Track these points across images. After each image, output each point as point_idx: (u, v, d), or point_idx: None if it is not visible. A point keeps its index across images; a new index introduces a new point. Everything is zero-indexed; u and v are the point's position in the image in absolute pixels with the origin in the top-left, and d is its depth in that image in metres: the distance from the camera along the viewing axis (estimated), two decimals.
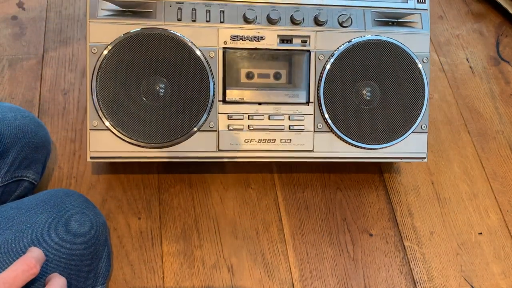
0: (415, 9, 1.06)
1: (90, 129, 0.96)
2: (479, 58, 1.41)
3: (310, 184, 1.18)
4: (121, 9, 0.97)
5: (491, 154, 1.27)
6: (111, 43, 0.94)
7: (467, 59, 1.41)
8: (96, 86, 0.94)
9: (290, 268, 1.05)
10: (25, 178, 0.88)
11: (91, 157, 0.97)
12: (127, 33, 0.95)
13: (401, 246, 1.13)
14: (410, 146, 1.07)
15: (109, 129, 0.95)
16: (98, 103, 0.94)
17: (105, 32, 0.95)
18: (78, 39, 1.24)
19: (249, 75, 1.04)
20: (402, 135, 1.06)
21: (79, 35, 1.30)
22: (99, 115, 0.95)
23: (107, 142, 0.96)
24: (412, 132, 1.07)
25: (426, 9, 1.06)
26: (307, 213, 1.14)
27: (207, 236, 1.04)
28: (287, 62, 1.05)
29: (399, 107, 1.04)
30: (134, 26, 0.96)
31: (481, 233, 1.15)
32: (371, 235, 1.13)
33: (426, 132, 1.07)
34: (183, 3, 0.98)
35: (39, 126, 0.92)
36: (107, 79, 0.95)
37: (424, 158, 1.09)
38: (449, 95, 1.34)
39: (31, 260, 0.55)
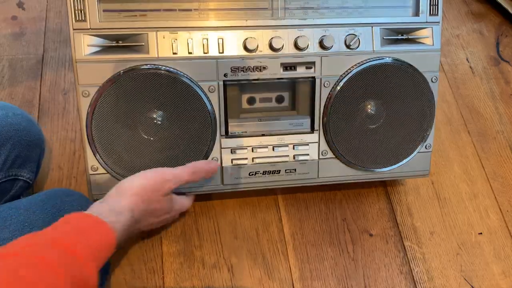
0: (426, 22, 0.95)
1: (90, 174, 0.89)
2: (479, 58, 1.34)
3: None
4: (109, 44, 0.85)
5: (491, 154, 1.24)
6: (103, 84, 0.84)
7: (467, 59, 1.33)
8: (91, 130, 0.86)
9: (290, 268, 1.04)
10: (19, 177, 0.85)
11: (94, 200, 0.91)
12: (119, 73, 0.84)
13: (401, 246, 1.12)
14: (414, 165, 1.03)
15: (109, 173, 0.88)
16: (95, 147, 0.87)
17: (95, 72, 0.85)
18: None
19: (251, 101, 0.95)
20: (408, 157, 1.01)
21: None
22: (97, 159, 0.88)
23: (109, 184, 0.90)
24: (418, 152, 1.01)
25: (438, 22, 0.95)
26: (307, 213, 1.12)
27: (207, 236, 1.04)
28: (290, 89, 0.96)
29: (407, 130, 0.98)
30: (126, 63, 0.86)
31: (481, 233, 1.15)
32: (371, 235, 1.12)
33: (430, 151, 1.02)
34: (177, 32, 0.86)
35: (32, 123, 0.88)
36: (102, 123, 0.88)
37: (427, 174, 1.05)
38: (449, 95, 1.27)
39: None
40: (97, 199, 0.87)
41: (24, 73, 1.13)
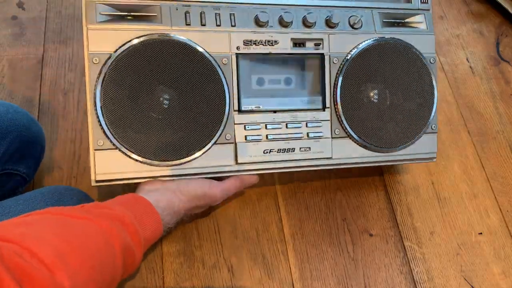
0: (419, 9, 1.00)
1: (95, 150, 0.79)
2: (479, 58, 1.38)
3: (310, 184, 1.11)
4: (122, 13, 0.81)
5: (491, 154, 1.24)
6: (115, 52, 0.79)
7: (467, 59, 1.38)
8: (100, 100, 0.78)
9: (290, 268, 0.98)
10: (16, 172, 0.84)
11: (96, 181, 0.80)
12: (131, 40, 0.80)
13: (401, 246, 1.07)
14: (422, 147, 1.00)
15: (118, 148, 0.79)
16: (104, 119, 0.78)
17: (107, 40, 0.80)
18: (78, 39, 1.17)
19: (260, 83, 0.92)
20: (416, 136, 0.98)
21: (79, 35, 1.18)
22: (105, 133, 0.79)
23: (115, 163, 0.80)
24: (424, 133, 0.99)
25: (429, 10, 1.00)
26: (307, 213, 1.07)
27: (207, 236, 0.98)
28: (300, 66, 0.94)
29: (412, 108, 0.97)
30: (138, 32, 0.81)
31: (481, 233, 1.11)
32: (371, 235, 1.07)
33: (436, 132, 1.01)
34: (190, 6, 0.84)
35: (32, 122, 0.87)
36: (112, 93, 0.81)
37: (434, 158, 1.02)
38: (449, 95, 1.30)
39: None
40: (99, 181, 0.78)
41: (24, 73, 1.11)
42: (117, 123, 0.81)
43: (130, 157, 0.82)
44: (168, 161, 0.85)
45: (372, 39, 0.96)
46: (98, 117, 0.80)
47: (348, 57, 0.94)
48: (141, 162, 0.83)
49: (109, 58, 0.81)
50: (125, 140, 0.81)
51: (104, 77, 0.80)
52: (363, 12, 0.97)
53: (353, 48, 0.95)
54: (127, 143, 0.81)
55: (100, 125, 0.81)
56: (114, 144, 0.82)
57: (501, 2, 1.31)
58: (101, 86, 0.80)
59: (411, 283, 1.02)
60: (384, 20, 0.99)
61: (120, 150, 0.82)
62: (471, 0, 1.47)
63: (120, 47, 0.82)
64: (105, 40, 0.81)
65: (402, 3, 1.01)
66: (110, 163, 0.82)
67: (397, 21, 1.01)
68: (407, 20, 1.01)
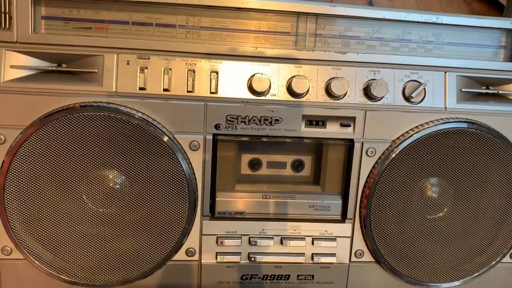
0: None
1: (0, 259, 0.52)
2: None
3: None
4: (45, 65, 0.50)
5: None
6: (28, 128, 0.48)
7: None
8: (6, 194, 0.49)
9: None
10: None
11: None
12: (53, 112, 0.49)
13: None
14: (495, 282, 0.60)
15: (28, 261, 0.51)
16: (10, 220, 0.50)
17: (18, 109, 0.51)
18: None
19: (255, 166, 0.57)
20: (484, 268, 0.59)
21: None
22: (11, 237, 0.51)
23: (28, 275, 0.52)
24: (500, 262, 0.59)
25: None
26: None
27: None
28: (314, 152, 0.58)
29: (484, 226, 0.58)
30: (66, 98, 0.51)
31: None
32: None
33: None
34: (149, 58, 0.50)
35: None
36: (24, 184, 0.54)
37: None
38: None
39: None
40: None
41: None
42: (30, 227, 0.55)
43: (46, 273, 0.54)
44: (99, 284, 0.55)
45: (436, 124, 0.56)
46: (1, 216, 0.52)
47: (394, 149, 0.56)
48: (62, 280, 0.55)
49: (19, 136, 0.51)
50: (40, 251, 0.56)
51: (11, 162, 0.51)
52: (432, 74, 0.57)
53: (404, 135, 0.56)
54: (43, 254, 0.57)
55: (6, 227, 0.53)
56: (24, 254, 0.54)
57: (502, 1, 1.00)
58: (6, 174, 0.52)
59: None
60: (463, 90, 0.58)
61: (31, 262, 0.54)
62: (472, 0, 1.29)
63: (37, 121, 0.51)
64: (15, 110, 0.54)
65: (499, 62, 0.58)
66: (20, 275, 0.55)
67: (485, 91, 0.59)
68: (502, 89, 0.59)
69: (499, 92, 0.61)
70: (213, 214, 0.59)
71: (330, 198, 0.61)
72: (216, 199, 0.59)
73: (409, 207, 0.60)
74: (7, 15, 0.52)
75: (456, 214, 0.62)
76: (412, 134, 0.58)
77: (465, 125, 0.59)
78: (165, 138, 0.54)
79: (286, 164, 0.63)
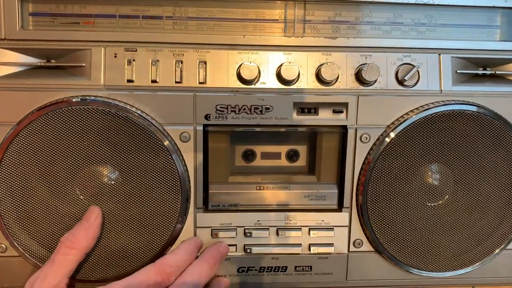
0: None
1: None
2: None
3: None
4: (34, 61, 0.49)
5: None
6: (18, 124, 0.48)
7: None
8: None
9: None
10: None
11: None
12: (41, 108, 0.49)
13: None
14: (497, 269, 0.58)
15: (23, 257, 0.50)
16: (3, 217, 0.50)
17: (8, 105, 0.51)
18: None
19: (249, 156, 0.55)
20: (486, 256, 0.56)
21: None
22: (5, 235, 0.51)
23: (23, 273, 0.51)
24: (505, 249, 0.56)
25: None
26: None
27: None
28: (308, 141, 0.56)
29: (486, 212, 0.55)
30: (55, 93, 0.50)
31: None
32: None
33: None
34: (136, 50, 0.49)
35: None
36: (14, 180, 0.54)
37: None
38: None
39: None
40: None
41: None
42: (23, 223, 0.55)
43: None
44: (94, 280, 0.54)
45: (431, 107, 0.54)
46: None
47: (389, 135, 0.54)
48: None
49: (9, 133, 0.50)
50: (34, 247, 0.56)
51: (1, 159, 0.50)
52: (425, 56, 0.54)
53: (399, 119, 0.54)
54: (38, 251, 0.56)
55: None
56: (19, 252, 0.53)
57: None
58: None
59: None
60: (458, 71, 0.55)
61: (26, 259, 0.53)
62: None
63: (26, 117, 0.50)
64: (5, 106, 0.52)
65: (495, 42, 0.56)
66: (16, 272, 0.55)
67: (481, 72, 0.56)
68: (500, 69, 0.56)
69: (496, 72, 0.59)
70: (206, 207, 0.58)
71: (326, 188, 0.59)
72: (209, 191, 0.57)
73: (408, 194, 0.58)
74: None
75: (458, 200, 0.59)
76: (407, 118, 0.56)
77: (462, 106, 0.56)
78: (156, 130, 0.53)
79: (280, 154, 0.61)
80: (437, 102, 0.57)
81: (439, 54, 0.57)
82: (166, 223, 0.56)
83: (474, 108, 0.56)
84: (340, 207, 0.59)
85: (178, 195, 0.55)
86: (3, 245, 0.56)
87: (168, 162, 0.54)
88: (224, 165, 0.58)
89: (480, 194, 0.60)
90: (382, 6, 0.56)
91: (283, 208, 0.59)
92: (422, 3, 0.56)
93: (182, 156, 0.55)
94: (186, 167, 0.56)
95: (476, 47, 0.58)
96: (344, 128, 0.57)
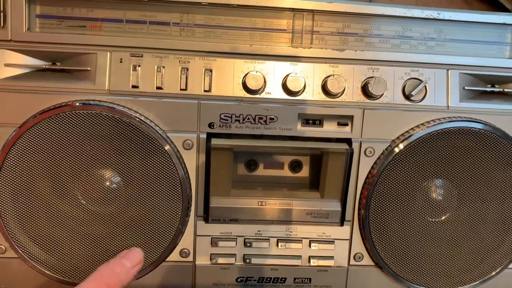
0: None
1: None
2: None
3: None
4: (39, 63, 0.49)
5: None
6: (22, 126, 0.47)
7: None
8: None
9: None
10: None
11: None
12: (45, 111, 0.52)
13: None
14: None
15: (22, 259, 0.50)
16: (4, 218, 0.49)
17: (12, 107, 0.50)
18: None
19: (251, 166, 0.55)
20: (489, 273, 0.55)
21: None
22: (5, 236, 0.50)
23: (24, 275, 0.51)
24: (506, 268, 0.55)
25: None
26: None
27: None
28: (310, 155, 0.55)
29: (490, 230, 0.55)
30: (59, 96, 0.50)
31: None
32: None
33: None
34: (142, 55, 0.48)
35: None
36: (17, 181, 0.53)
37: None
38: None
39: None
40: None
41: None
42: (24, 226, 0.54)
43: (40, 272, 0.53)
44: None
45: (440, 122, 0.53)
46: None
47: (394, 149, 0.53)
48: (55, 279, 0.53)
49: (13, 134, 0.50)
50: (34, 250, 0.55)
51: (4, 159, 0.50)
52: (433, 72, 0.53)
53: (404, 134, 0.53)
54: (36, 254, 0.55)
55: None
56: (18, 254, 0.52)
57: (503, 1, 0.92)
58: (0, 171, 0.50)
59: None
60: (466, 88, 0.54)
61: (25, 262, 0.53)
62: (472, 0, 1.09)
63: (30, 119, 0.50)
64: (9, 108, 0.52)
65: (505, 59, 0.55)
66: (15, 274, 0.55)
67: (490, 89, 0.55)
68: (509, 87, 0.55)
69: (505, 90, 0.58)
70: (207, 217, 0.57)
71: (329, 205, 0.58)
72: (210, 205, 0.56)
73: (410, 209, 0.57)
74: (1, 13, 0.51)
75: (460, 217, 0.58)
76: (413, 134, 0.55)
77: (469, 124, 0.55)
78: (158, 137, 0.52)
79: (283, 164, 0.60)
80: (443, 118, 0.56)
81: (447, 70, 0.56)
82: (165, 231, 0.55)
83: (480, 126, 0.55)
84: (342, 221, 0.58)
85: (179, 202, 0.55)
86: (3, 247, 0.55)
87: (169, 169, 0.53)
88: (226, 179, 0.56)
89: (483, 211, 0.58)
90: (391, 19, 0.55)
91: (286, 219, 0.58)
92: (432, 17, 0.55)
93: (184, 164, 0.55)
94: (188, 174, 0.55)
95: (485, 63, 0.57)
96: (349, 141, 0.56)
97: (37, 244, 0.54)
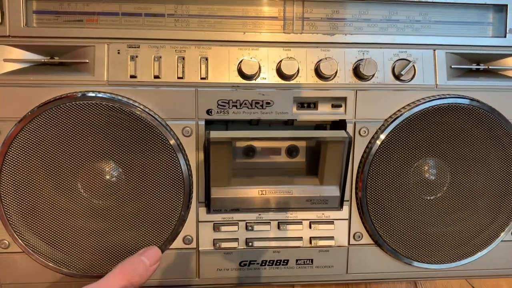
0: None
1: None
2: None
3: None
4: (38, 58, 0.49)
5: None
6: (23, 119, 0.47)
7: None
8: (2, 186, 0.48)
9: None
10: None
11: None
12: (44, 104, 0.49)
13: None
14: (495, 260, 0.58)
15: (25, 253, 0.50)
16: (8, 212, 0.49)
17: (13, 101, 0.50)
18: None
19: (248, 153, 0.56)
20: (485, 248, 0.56)
21: None
22: (9, 231, 0.50)
23: (27, 269, 0.50)
24: (502, 240, 0.57)
25: None
26: None
27: None
28: (307, 139, 0.56)
29: (483, 204, 0.55)
30: (59, 89, 0.50)
31: None
32: None
33: None
34: (139, 46, 0.49)
35: None
36: (19, 175, 0.53)
37: None
38: None
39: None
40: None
41: None
42: (27, 219, 0.54)
43: (43, 265, 0.53)
44: (96, 274, 0.54)
45: (429, 100, 0.55)
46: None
47: (386, 127, 0.54)
48: (58, 272, 0.53)
49: (13, 128, 0.50)
50: (37, 243, 0.55)
51: (6, 153, 0.51)
52: (420, 52, 0.55)
53: (396, 113, 0.55)
54: (40, 247, 0.55)
55: (3, 220, 0.52)
56: (22, 248, 0.53)
57: None
58: (2, 166, 0.51)
59: None
60: (453, 66, 0.56)
61: (30, 255, 0.53)
62: None
63: (31, 113, 0.50)
64: (9, 102, 0.52)
65: (488, 38, 0.57)
66: (19, 268, 0.55)
67: (475, 67, 0.57)
68: (493, 64, 0.57)
69: (490, 67, 0.60)
70: (209, 203, 0.57)
71: (328, 191, 0.58)
72: (211, 197, 0.57)
73: (406, 187, 0.58)
74: (0, 10, 0.52)
75: (454, 193, 0.60)
76: (404, 112, 0.56)
77: (457, 100, 0.57)
78: (158, 125, 0.53)
79: (280, 150, 0.62)
80: (433, 96, 0.58)
81: (434, 50, 0.58)
82: (168, 219, 0.56)
83: (468, 102, 0.57)
84: (341, 207, 0.59)
85: (180, 190, 0.55)
86: (6, 241, 0.55)
87: (170, 156, 0.54)
88: (226, 170, 0.57)
89: (476, 186, 0.60)
90: (377, 4, 0.57)
91: (285, 206, 0.58)
92: (417, 0, 0.57)
93: (185, 151, 0.55)
94: (189, 161, 0.56)
95: (469, 43, 0.59)
96: (343, 122, 0.58)
97: (40, 238, 0.54)
